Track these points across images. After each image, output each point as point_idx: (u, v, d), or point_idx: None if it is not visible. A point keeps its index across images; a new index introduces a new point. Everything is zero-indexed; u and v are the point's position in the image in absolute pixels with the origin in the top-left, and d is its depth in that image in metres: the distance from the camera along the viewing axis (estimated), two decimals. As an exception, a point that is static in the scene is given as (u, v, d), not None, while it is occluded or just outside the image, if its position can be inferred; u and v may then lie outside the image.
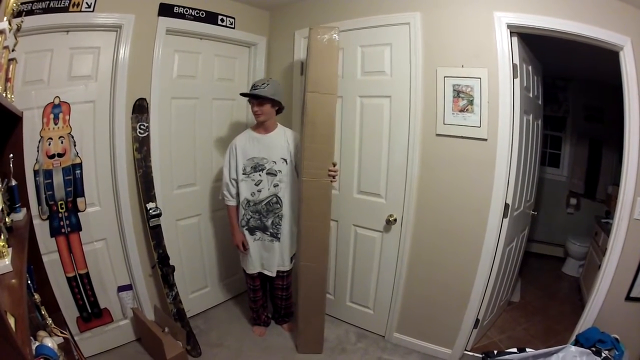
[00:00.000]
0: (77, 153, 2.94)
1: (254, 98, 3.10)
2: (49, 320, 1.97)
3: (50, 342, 1.66)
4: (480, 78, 2.86)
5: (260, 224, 3.25)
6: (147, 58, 3.16)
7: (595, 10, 2.57)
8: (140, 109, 3.15)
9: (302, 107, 3.06)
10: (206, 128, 3.78)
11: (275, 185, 3.21)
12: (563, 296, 4.67)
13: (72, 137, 2.91)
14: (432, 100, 3.05)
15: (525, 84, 3.18)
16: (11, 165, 1.88)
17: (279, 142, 3.23)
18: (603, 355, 2.47)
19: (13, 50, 1.88)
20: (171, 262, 3.35)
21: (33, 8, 2.56)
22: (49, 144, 2.81)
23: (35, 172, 2.76)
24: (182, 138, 3.58)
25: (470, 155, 2.98)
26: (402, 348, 3.48)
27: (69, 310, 2.98)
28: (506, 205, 3.00)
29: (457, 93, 2.93)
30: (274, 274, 3.37)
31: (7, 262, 1.35)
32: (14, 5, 1.55)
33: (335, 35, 2.91)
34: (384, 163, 3.33)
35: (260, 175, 3.17)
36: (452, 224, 3.13)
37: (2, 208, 1.54)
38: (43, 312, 1.95)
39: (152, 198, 3.24)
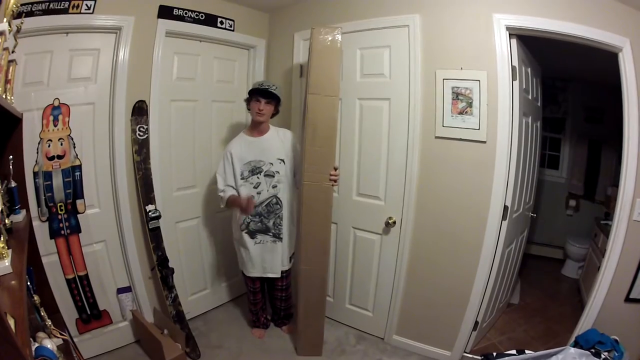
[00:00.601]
0: (77, 155, 2.94)
1: (268, 96, 3.12)
2: (49, 322, 1.96)
3: (50, 344, 1.66)
4: (479, 80, 2.86)
5: (262, 226, 3.24)
6: (147, 60, 3.17)
7: (594, 11, 2.58)
8: (139, 111, 3.15)
9: (303, 110, 3.05)
10: (206, 130, 3.78)
11: (274, 186, 3.21)
12: (562, 298, 4.66)
13: (72, 139, 2.91)
14: (432, 103, 3.05)
15: (524, 86, 3.18)
16: (11, 166, 1.88)
17: (274, 143, 3.24)
18: (602, 356, 2.47)
19: (13, 52, 1.88)
20: (171, 265, 3.35)
21: (33, 9, 2.56)
22: (49, 146, 2.81)
23: (35, 174, 2.77)
24: (181, 140, 3.58)
25: (469, 157, 2.98)
26: (402, 350, 3.48)
27: (69, 311, 2.98)
28: (505, 208, 3.01)
29: (456, 95, 2.94)
30: (279, 275, 3.38)
31: (6, 264, 1.35)
32: (14, 6, 1.55)
33: (338, 35, 2.90)
34: (383, 165, 3.34)
35: (258, 177, 3.17)
36: (451, 226, 3.13)
37: (1, 209, 1.55)
38: (42, 314, 1.95)
39: (152, 200, 3.25)
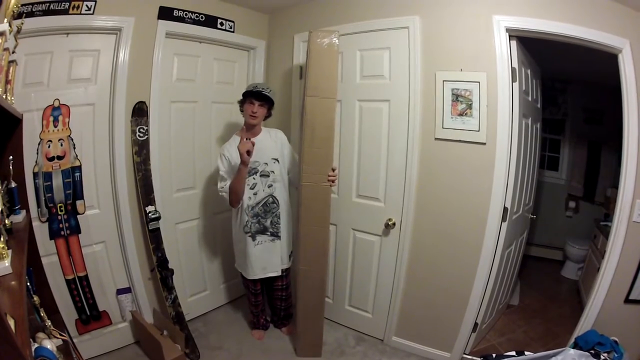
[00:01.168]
0: (77, 156, 2.94)
1: (262, 99, 3.13)
2: (48, 322, 1.97)
3: (49, 344, 1.67)
4: (479, 82, 2.86)
5: (260, 227, 3.23)
6: (147, 61, 3.17)
7: (593, 13, 2.58)
8: (139, 112, 3.16)
9: (301, 111, 3.06)
10: (205, 131, 3.78)
11: (270, 186, 3.21)
12: (562, 299, 4.66)
13: (72, 139, 2.91)
14: (431, 104, 3.05)
15: (524, 88, 3.19)
16: (11, 167, 1.89)
17: (268, 142, 3.25)
18: (602, 357, 2.47)
19: (13, 52, 1.88)
20: (170, 266, 3.35)
21: (33, 10, 2.57)
22: (49, 147, 2.81)
23: (35, 175, 2.77)
24: (181, 141, 3.58)
25: (469, 159, 2.98)
26: (401, 351, 3.48)
27: (68, 312, 2.98)
28: (505, 209, 3.01)
29: (456, 97, 2.94)
30: (279, 273, 3.38)
31: (6, 264, 1.35)
32: (15, 7, 1.55)
33: (335, 39, 2.91)
34: (383, 167, 3.34)
35: (254, 178, 3.17)
36: (451, 227, 3.13)
37: (1, 210, 1.55)
38: (42, 314, 1.95)
39: (152, 201, 3.25)
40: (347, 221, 3.62)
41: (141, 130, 3.16)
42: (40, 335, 1.76)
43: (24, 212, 2.03)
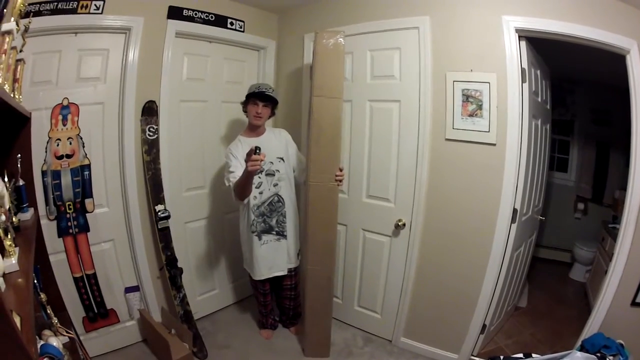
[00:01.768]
0: (86, 154, 2.96)
1: (265, 99, 3.14)
2: (55, 320, 1.98)
3: (55, 341, 1.68)
4: (489, 82, 2.85)
5: (265, 226, 3.24)
6: (157, 60, 3.18)
7: (602, 14, 2.56)
8: (149, 111, 3.16)
9: (308, 111, 3.06)
10: (215, 131, 3.80)
11: (275, 185, 3.22)
12: (570, 301, 4.64)
13: (81, 138, 2.93)
14: (442, 105, 3.04)
15: (533, 89, 3.17)
16: (19, 165, 1.90)
17: (272, 142, 3.26)
18: (607, 360, 2.46)
19: (21, 51, 1.89)
20: (179, 264, 3.36)
21: (41, 9, 2.58)
22: (57, 145, 2.83)
23: (43, 173, 2.79)
24: (191, 141, 3.59)
25: (479, 160, 2.97)
26: (409, 352, 3.47)
27: (75, 310, 2.99)
28: (514, 211, 2.99)
29: (466, 97, 2.93)
30: (285, 272, 3.38)
31: (13, 262, 1.36)
32: (21, 5, 1.55)
33: (340, 39, 2.91)
34: (393, 167, 3.33)
35: (260, 177, 3.16)
36: (460, 228, 3.12)
37: (9, 207, 1.56)
38: (49, 312, 1.96)
39: (161, 200, 3.26)
40: (357, 221, 3.61)
41: (151, 129, 3.17)
42: (47, 332, 1.77)
43: (31, 210, 2.05)
